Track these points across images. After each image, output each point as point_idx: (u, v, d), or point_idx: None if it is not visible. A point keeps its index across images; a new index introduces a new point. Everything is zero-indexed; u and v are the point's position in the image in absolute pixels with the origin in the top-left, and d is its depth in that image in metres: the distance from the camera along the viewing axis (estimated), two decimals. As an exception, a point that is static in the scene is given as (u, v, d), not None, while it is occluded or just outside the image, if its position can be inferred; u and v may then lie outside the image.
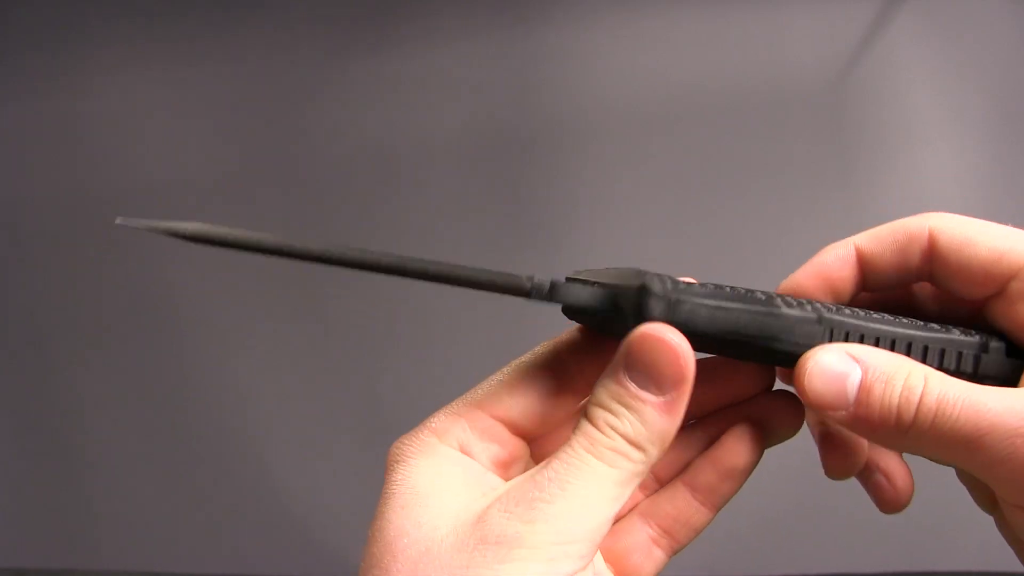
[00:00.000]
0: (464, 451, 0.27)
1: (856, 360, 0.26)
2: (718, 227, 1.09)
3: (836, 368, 0.25)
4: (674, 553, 0.31)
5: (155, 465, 1.14)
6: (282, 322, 1.15)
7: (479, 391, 0.28)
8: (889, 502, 0.31)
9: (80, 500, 1.15)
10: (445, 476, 0.26)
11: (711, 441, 0.31)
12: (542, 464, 0.25)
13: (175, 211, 1.16)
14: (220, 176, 1.18)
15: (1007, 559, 0.31)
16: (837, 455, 0.31)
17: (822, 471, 0.32)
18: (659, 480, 0.31)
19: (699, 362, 0.26)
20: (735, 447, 0.30)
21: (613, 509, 0.25)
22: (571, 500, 0.24)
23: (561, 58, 1.15)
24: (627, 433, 0.25)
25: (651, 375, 0.25)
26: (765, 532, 1.00)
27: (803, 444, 0.33)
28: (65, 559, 1.15)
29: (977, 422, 0.24)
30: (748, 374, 0.30)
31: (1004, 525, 0.30)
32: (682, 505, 0.30)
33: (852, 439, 0.31)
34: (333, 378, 1.14)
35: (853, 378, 0.25)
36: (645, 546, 0.30)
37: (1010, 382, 0.28)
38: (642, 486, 0.31)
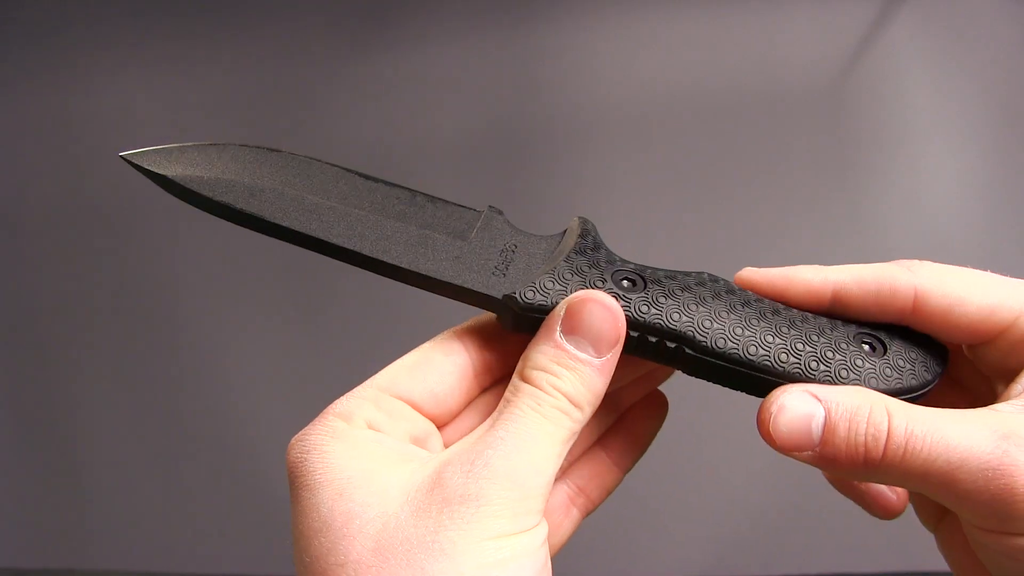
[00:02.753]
0: (374, 429, 0.27)
1: (818, 399, 0.26)
2: (718, 226, 1.08)
3: (799, 411, 0.26)
4: (587, 514, 0.32)
5: (154, 465, 1.14)
6: (282, 322, 1.15)
7: (382, 375, 0.29)
8: (890, 508, 0.31)
9: (80, 500, 1.15)
10: (368, 454, 0.26)
11: (620, 413, 0.33)
12: (486, 427, 0.26)
13: (175, 211, 1.16)
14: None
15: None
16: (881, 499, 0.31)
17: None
18: (573, 453, 0.33)
19: None
20: (645, 409, 0.32)
21: (557, 465, 0.26)
22: (525, 456, 0.25)
23: (561, 58, 1.15)
24: (569, 392, 0.26)
25: (590, 338, 0.26)
26: (765, 532, 1.00)
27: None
28: (65, 559, 1.15)
29: (948, 457, 0.24)
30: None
31: (944, 543, 0.30)
32: (596, 465, 0.32)
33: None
34: (333, 378, 1.14)
35: (817, 418, 0.26)
36: (564, 505, 0.31)
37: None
38: None
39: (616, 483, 0.32)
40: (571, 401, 0.26)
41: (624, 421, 0.33)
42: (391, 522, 0.24)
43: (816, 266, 0.29)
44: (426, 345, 0.30)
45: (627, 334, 0.27)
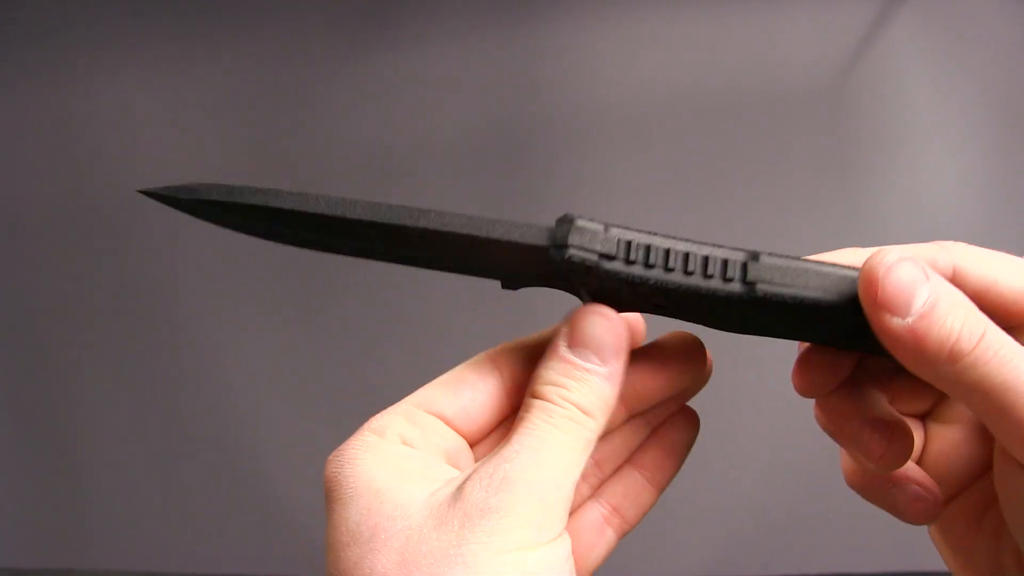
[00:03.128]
0: (407, 445, 0.28)
1: (927, 277, 0.25)
2: (718, 227, 1.08)
3: (910, 276, 0.25)
4: (623, 535, 0.32)
5: (154, 465, 1.14)
6: (282, 322, 1.15)
7: (418, 394, 0.30)
8: (926, 510, 0.30)
9: (80, 500, 1.15)
10: (399, 468, 0.27)
11: (652, 429, 0.33)
12: (502, 444, 0.27)
13: (175, 211, 1.16)
14: (220, 176, 1.18)
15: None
16: (890, 441, 0.29)
17: (822, 472, 0.32)
18: (605, 472, 0.33)
19: (637, 358, 0.30)
20: (676, 424, 0.33)
21: (576, 475, 0.26)
22: (541, 468, 0.25)
23: (561, 58, 1.15)
24: (578, 402, 0.27)
25: (593, 348, 0.28)
26: (765, 532, 1.00)
27: (803, 444, 0.33)
28: (65, 559, 1.15)
29: None
30: (681, 369, 0.32)
31: (944, 527, 0.31)
32: (630, 483, 0.32)
33: (899, 422, 0.30)
34: (333, 378, 1.14)
35: (923, 291, 0.24)
36: (598, 525, 0.31)
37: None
38: (589, 476, 0.32)
39: (652, 501, 0.32)
40: (582, 410, 0.27)
41: (655, 437, 0.33)
42: (415, 535, 0.24)
43: (855, 248, 0.29)
44: (460, 366, 0.30)
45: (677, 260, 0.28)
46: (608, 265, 0.28)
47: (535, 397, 0.27)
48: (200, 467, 1.14)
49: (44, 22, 1.22)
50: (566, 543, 0.26)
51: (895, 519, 0.32)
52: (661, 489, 0.32)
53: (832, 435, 0.31)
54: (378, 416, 0.29)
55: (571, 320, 0.28)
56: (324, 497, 0.27)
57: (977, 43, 1.10)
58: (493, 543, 0.24)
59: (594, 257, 0.28)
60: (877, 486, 0.31)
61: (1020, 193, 1.08)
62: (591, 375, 0.27)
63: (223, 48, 1.20)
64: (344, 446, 0.28)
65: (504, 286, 0.30)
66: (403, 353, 1.12)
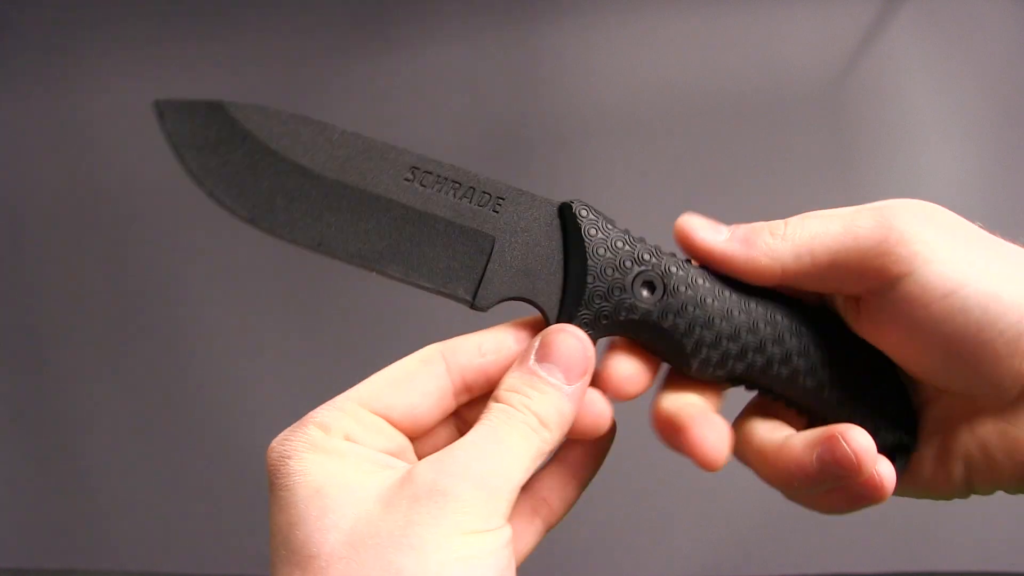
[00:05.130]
0: (351, 441, 0.28)
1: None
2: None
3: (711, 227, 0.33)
4: (550, 527, 0.33)
5: (155, 465, 1.14)
6: (283, 322, 1.15)
7: (363, 388, 0.30)
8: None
9: (80, 500, 1.15)
10: (344, 461, 0.27)
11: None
12: (459, 439, 0.27)
13: (175, 211, 1.16)
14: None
15: (1006, 558, 0.31)
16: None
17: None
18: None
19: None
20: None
21: (522, 478, 0.27)
22: (492, 459, 0.26)
23: (561, 58, 1.15)
24: (538, 411, 0.28)
25: (561, 366, 0.29)
26: (765, 532, 1.00)
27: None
28: (65, 559, 1.15)
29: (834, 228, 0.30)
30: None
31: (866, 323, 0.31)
32: (556, 477, 0.33)
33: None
34: (334, 379, 1.14)
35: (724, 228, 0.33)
36: (527, 515, 0.32)
37: None
38: None
39: (576, 495, 0.33)
40: (540, 420, 0.28)
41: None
42: (363, 516, 0.25)
43: (769, 259, 0.30)
44: (409, 359, 0.31)
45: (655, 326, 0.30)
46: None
47: (497, 401, 0.28)
48: (200, 467, 1.14)
49: (45, 23, 1.22)
50: (508, 533, 0.26)
51: (896, 519, 0.32)
52: (584, 484, 0.33)
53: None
54: (321, 410, 0.29)
55: (544, 336, 0.29)
56: (268, 484, 0.28)
57: (977, 43, 1.10)
58: (439, 525, 0.25)
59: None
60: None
61: (1020, 193, 1.08)
62: (554, 390, 0.28)
63: (223, 48, 1.20)
64: (286, 436, 0.28)
65: (474, 305, 0.31)
66: (404, 354, 1.12)
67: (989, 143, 1.09)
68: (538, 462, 0.28)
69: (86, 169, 1.20)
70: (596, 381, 0.30)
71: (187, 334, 1.16)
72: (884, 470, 0.29)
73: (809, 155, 1.11)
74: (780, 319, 0.31)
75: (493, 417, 0.28)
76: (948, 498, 0.32)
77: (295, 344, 1.15)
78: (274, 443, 0.28)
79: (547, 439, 0.28)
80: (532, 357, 0.29)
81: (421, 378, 0.30)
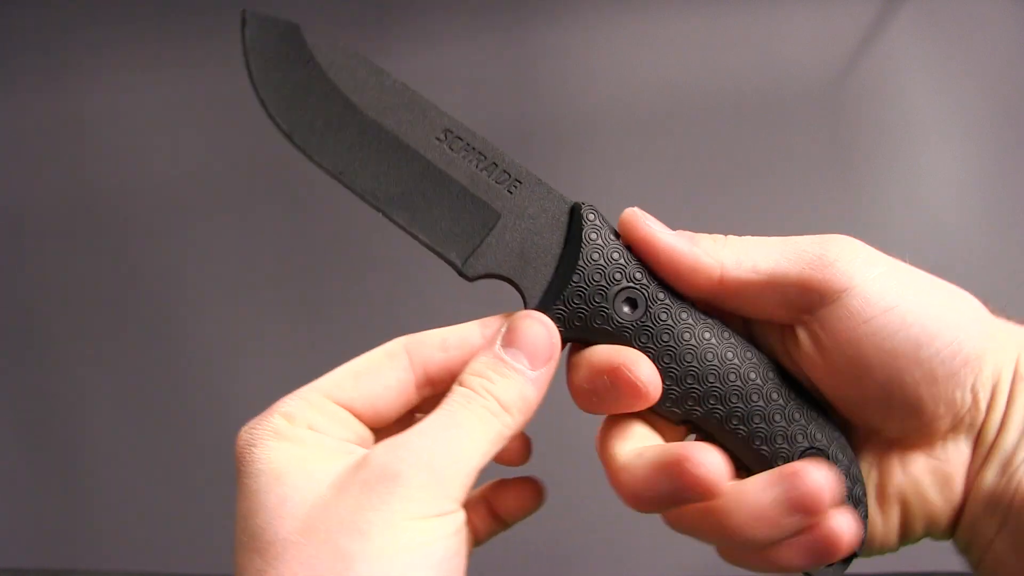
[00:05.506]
0: (314, 431, 0.29)
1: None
2: (718, 227, 1.08)
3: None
4: (502, 524, 0.33)
5: (155, 465, 1.14)
6: (284, 322, 1.15)
7: (329, 379, 0.30)
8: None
9: (80, 500, 1.15)
10: (308, 447, 0.28)
11: None
12: (417, 424, 0.27)
13: (175, 211, 1.16)
14: (221, 176, 1.18)
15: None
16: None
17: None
18: None
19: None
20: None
21: (480, 462, 0.27)
22: (447, 443, 0.26)
23: (561, 58, 1.15)
24: (500, 395, 0.28)
25: (526, 351, 0.29)
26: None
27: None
28: (65, 559, 1.15)
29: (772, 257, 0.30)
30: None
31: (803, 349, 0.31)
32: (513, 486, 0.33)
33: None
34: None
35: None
36: (475, 504, 0.32)
37: None
38: None
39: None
40: (501, 404, 0.28)
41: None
42: (319, 503, 0.25)
43: (710, 258, 0.30)
44: (375, 352, 0.31)
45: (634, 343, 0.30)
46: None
47: (460, 384, 0.28)
48: (200, 467, 1.14)
49: (45, 23, 1.22)
50: (460, 518, 0.26)
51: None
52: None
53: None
54: (287, 400, 0.29)
55: (511, 322, 0.29)
56: (236, 471, 0.28)
57: (977, 43, 1.10)
58: (388, 509, 0.25)
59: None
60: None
61: (1020, 193, 1.08)
62: (518, 375, 0.28)
63: (224, 48, 1.20)
64: (253, 424, 0.29)
65: (461, 271, 0.31)
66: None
67: (989, 143, 1.09)
68: (498, 446, 0.28)
69: (86, 169, 1.20)
70: (619, 379, 0.30)
71: (187, 334, 1.16)
72: (842, 522, 0.28)
73: (809, 155, 1.11)
74: (753, 377, 0.30)
75: (453, 401, 0.28)
76: (883, 551, 0.32)
77: (296, 344, 1.15)
78: (241, 431, 0.29)
79: (508, 424, 0.28)
80: (498, 342, 0.29)
81: (384, 371, 0.30)
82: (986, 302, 0.31)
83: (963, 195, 1.09)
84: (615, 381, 0.29)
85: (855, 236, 0.30)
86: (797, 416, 0.30)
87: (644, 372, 0.29)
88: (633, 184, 1.11)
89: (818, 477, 0.27)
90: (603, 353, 0.30)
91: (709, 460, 0.27)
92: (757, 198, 1.10)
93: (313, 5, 1.19)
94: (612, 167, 1.12)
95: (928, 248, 1.06)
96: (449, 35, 1.17)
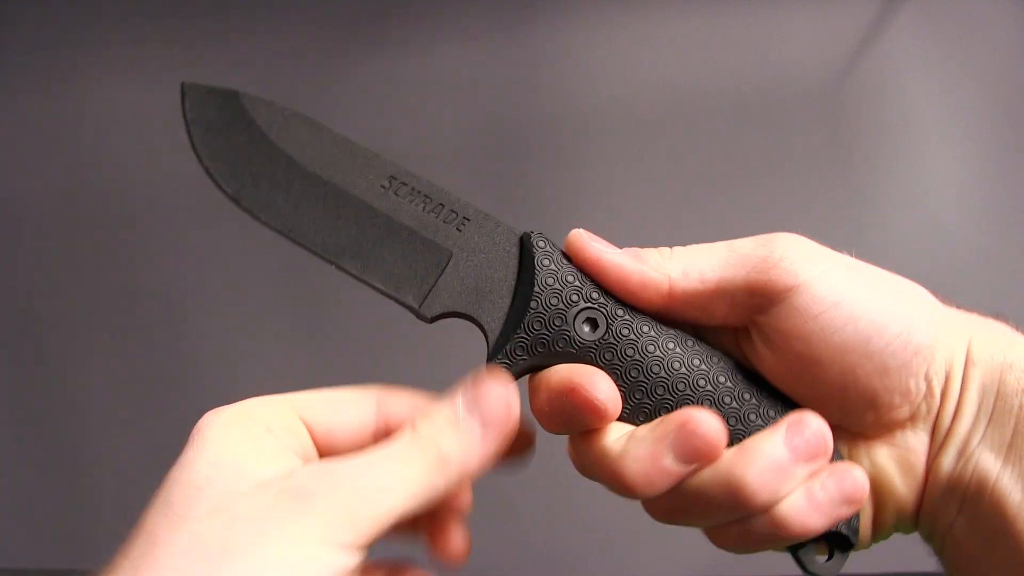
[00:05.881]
0: (269, 433, 0.29)
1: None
2: (718, 227, 1.08)
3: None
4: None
5: (155, 465, 1.14)
6: (283, 323, 1.15)
7: (299, 395, 0.31)
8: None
9: (81, 500, 1.15)
10: (254, 445, 0.28)
11: None
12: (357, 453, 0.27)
13: (175, 211, 1.16)
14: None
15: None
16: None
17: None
18: None
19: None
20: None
21: (400, 508, 0.26)
22: (373, 479, 0.26)
23: (561, 58, 1.15)
24: (443, 446, 0.27)
25: (481, 417, 0.28)
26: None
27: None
28: (65, 559, 1.15)
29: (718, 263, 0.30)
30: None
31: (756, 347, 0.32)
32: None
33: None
34: (334, 379, 1.14)
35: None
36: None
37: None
38: None
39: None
40: (441, 456, 0.27)
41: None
42: (236, 493, 0.26)
43: (657, 273, 0.30)
44: (349, 389, 0.32)
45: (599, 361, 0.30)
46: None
47: (410, 427, 0.28)
48: (200, 467, 1.14)
49: (45, 23, 1.22)
50: (352, 563, 0.25)
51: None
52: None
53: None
54: (256, 400, 0.30)
55: (476, 382, 0.29)
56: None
57: (977, 43, 1.10)
58: (290, 524, 0.24)
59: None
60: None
61: (1020, 193, 1.08)
62: (468, 433, 0.28)
63: (224, 49, 1.20)
64: (220, 410, 0.29)
65: (419, 313, 0.32)
66: (405, 355, 1.12)
67: (989, 143, 1.09)
68: (422, 500, 0.27)
69: (86, 168, 1.20)
70: (575, 401, 0.30)
71: (188, 334, 1.16)
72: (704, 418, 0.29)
73: (809, 155, 1.11)
74: (723, 380, 0.30)
75: (397, 441, 0.27)
76: (858, 547, 0.33)
77: (296, 344, 1.15)
78: (207, 413, 0.29)
79: (444, 476, 0.27)
80: (459, 398, 0.29)
81: (349, 406, 0.31)
82: (977, 301, 0.31)
83: (963, 195, 1.09)
84: (573, 401, 0.29)
85: (855, 236, 0.30)
86: (772, 413, 0.30)
87: (602, 390, 0.29)
88: (633, 184, 1.11)
89: (702, 417, 0.28)
90: (561, 374, 0.30)
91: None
92: (757, 198, 1.10)
93: (314, 6, 1.19)
94: (612, 167, 1.12)
95: (928, 248, 1.06)
96: (449, 35, 1.17)
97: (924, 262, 1.05)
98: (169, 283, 1.17)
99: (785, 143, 1.11)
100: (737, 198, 1.10)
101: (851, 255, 0.31)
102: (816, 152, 1.11)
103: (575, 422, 0.30)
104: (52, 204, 1.21)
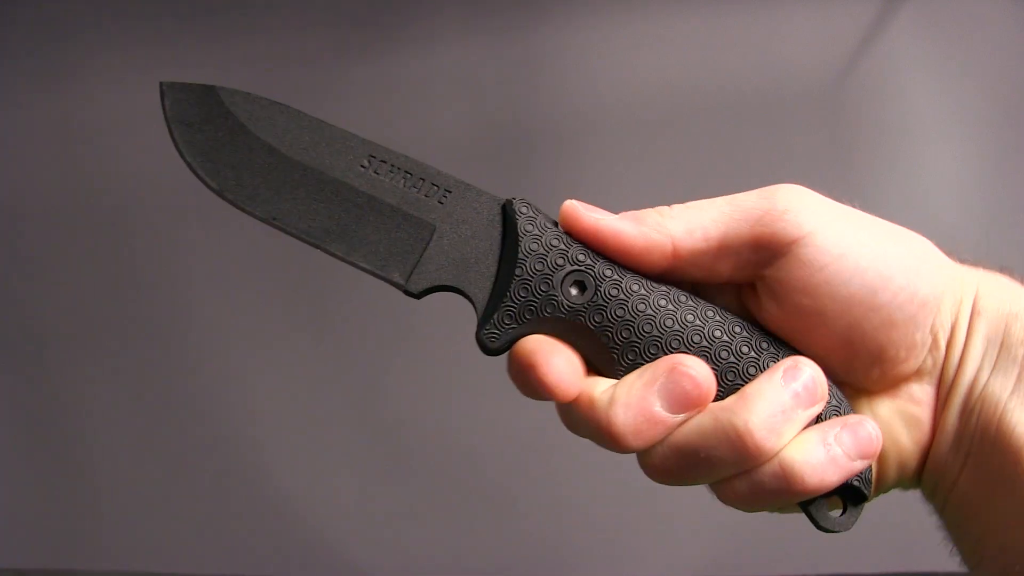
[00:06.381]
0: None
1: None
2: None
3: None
4: None
5: (155, 465, 1.14)
6: (284, 324, 1.15)
7: None
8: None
9: (81, 500, 1.15)
10: None
11: None
12: None
13: (175, 211, 1.16)
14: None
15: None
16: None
17: None
18: None
19: None
20: None
21: None
22: None
23: (561, 58, 1.15)
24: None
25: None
26: (765, 532, 1.00)
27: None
28: (65, 559, 1.15)
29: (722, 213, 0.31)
30: None
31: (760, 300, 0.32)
32: None
33: None
34: (333, 378, 1.14)
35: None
36: None
37: None
38: None
39: None
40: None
41: None
42: None
43: (659, 235, 0.30)
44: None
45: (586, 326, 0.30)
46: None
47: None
48: (201, 467, 1.14)
49: (45, 23, 1.22)
50: None
51: (895, 518, 0.32)
52: None
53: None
54: None
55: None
56: None
57: (977, 43, 1.10)
58: None
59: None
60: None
61: (1020, 193, 1.08)
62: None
63: (224, 48, 1.20)
64: None
65: (406, 289, 0.32)
66: (404, 356, 1.12)
67: (989, 143, 1.09)
68: None
69: (86, 168, 1.20)
70: (531, 379, 0.30)
71: (187, 334, 1.16)
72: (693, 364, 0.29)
73: (809, 155, 1.11)
74: (718, 335, 0.30)
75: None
76: None
77: (296, 344, 1.15)
78: None
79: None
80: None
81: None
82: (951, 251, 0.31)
83: (963, 195, 1.09)
84: (530, 379, 0.29)
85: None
86: (771, 366, 0.30)
87: (554, 371, 0.29)
88: (633, 184, 1.11)
89: (690, 361, 0.28)
90: (525, 347, 0.30)
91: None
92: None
93: (314, 5, 1.19)
94: (612, 167, 1.12)
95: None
96: (449, 35, 1.17)
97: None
98: (169, 283, 1.17)
99: (785, 143, 1.11)
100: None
101: (855, 206, 0.31)
102: (816, 152, 1.11)
103: (538, 396, 0.30)
104: (52, 204, 1.21)
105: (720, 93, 1.12)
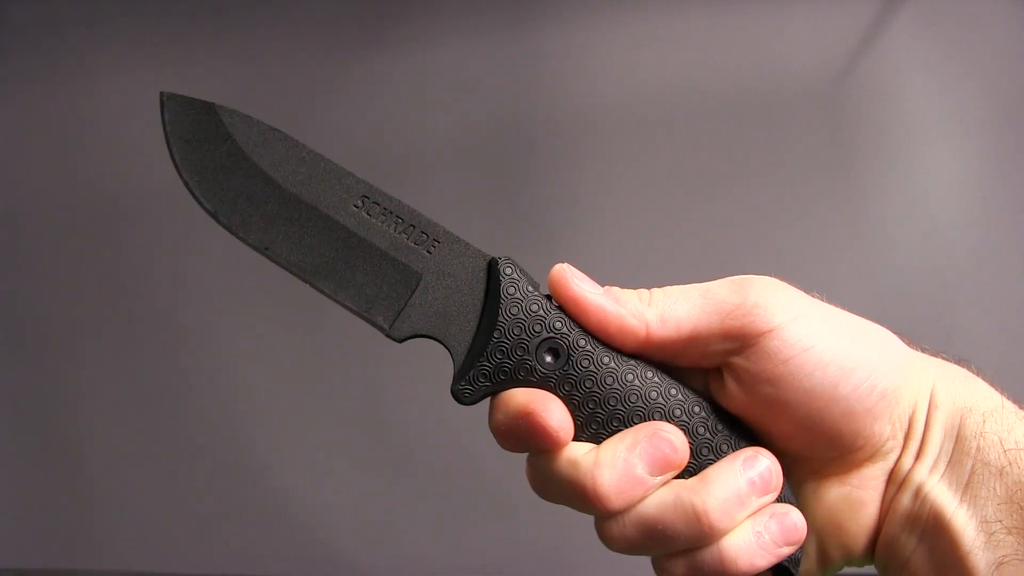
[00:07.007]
0: None
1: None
2: (717, 228, 1.08)
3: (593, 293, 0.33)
4: None
5: (155, 465, 1.14)
6: (284, 324, 1.15)
7: None
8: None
9: (81, 500, 1.15)
10: None
11: None
12: None
13: (175, 211, 1.16)
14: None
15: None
16: None
17: None
18: None
19: None
20: None
21: None
22: None
23: (561, 58, 1.15)
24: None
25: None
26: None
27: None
28: (65, 559, 1.15)
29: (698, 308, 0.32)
30: None
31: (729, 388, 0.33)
32: None
33: None
34: (333, 379, 1.14)
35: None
36: None
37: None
38: None
39: None
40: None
41: None
42: None
43: (635, 320, 0.31)
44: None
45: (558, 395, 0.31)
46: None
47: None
48: (201, 467, 1.14)
49: (45, 23, 1.22)
50: None
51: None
52: None
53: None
54: None
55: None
56: None
57: (977, 43, 1.10)
58: None
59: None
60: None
61: (1020, 193, 1.07)
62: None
63: (223, 48, 1.20)
64: None
65: (389, 334, 0.33)
66: (404, 356, 1.12)
67: (989, 143, 1.09)
68: None
69: (86, 169, 1.20)
70: (529, 425, 0.31)
71: (187, 334, 1.16)
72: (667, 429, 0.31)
73: (809, 155, 1.11)
74: (678, 414, 0.31)
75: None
76: None
77: (295, 345, 1.15)
78: None
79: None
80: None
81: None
82: (977, 301, 0.32)
83: (963, 195, 1.09)
84: (528, 425, 0.30)
85: (855, 237, 0.31)
86: (725, 448, 0.31)
87: (555, 417, 0.30)
88: (633, 184, 1.11)
89: (668, 427, 0.30)
90: (518, 397, 0.31)
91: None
92: (757, 198, 1.10)
93: (314, 5, 1.19)
94: (612, 167, 1.12)
95: (928, 248, 1.06)
96: (449, 35, 1.17)
97: (924, 262, 1.05)
98: (169, 283, 1.17)
99: (785, 143, 1.11)
100: (737, 198, 1.10)
101: (821, 298, 0.32)
102: (816, 153, 1.11)
103: (530, 444, 0.31)
104: (52, 204, 1.21)
105: (720, 93, 1.12)
